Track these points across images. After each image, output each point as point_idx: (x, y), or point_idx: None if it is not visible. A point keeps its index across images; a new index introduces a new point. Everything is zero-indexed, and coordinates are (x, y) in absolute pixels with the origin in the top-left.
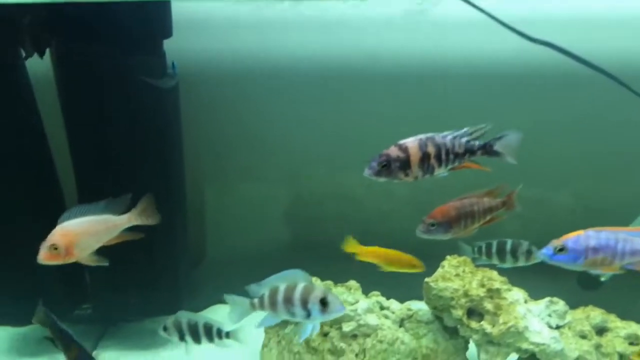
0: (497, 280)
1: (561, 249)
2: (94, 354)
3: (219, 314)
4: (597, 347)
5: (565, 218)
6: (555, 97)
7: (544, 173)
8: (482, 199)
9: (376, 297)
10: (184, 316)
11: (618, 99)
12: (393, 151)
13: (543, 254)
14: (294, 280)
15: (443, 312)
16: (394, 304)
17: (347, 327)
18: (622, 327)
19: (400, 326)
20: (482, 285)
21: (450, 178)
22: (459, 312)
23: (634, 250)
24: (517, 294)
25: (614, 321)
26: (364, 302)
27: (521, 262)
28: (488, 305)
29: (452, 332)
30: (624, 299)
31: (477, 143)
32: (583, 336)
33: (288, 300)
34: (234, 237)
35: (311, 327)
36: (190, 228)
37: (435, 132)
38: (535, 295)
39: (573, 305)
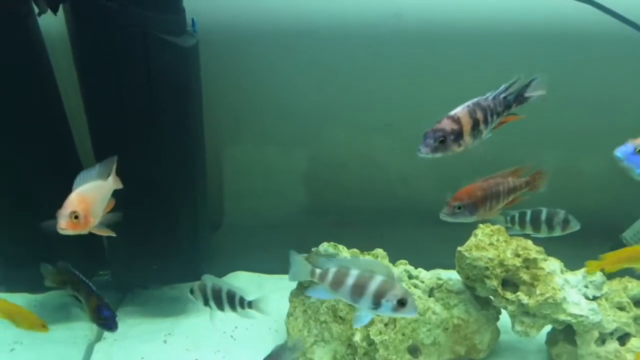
0: (533, 250)
1: None
2: None
3: (239, 281)
4: (636, 318)
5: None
6: (590, 58)
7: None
8: (507, 178)
9: (404, 265)
10: (209, 280)
11: None
12: (447, 124)
13: (621, 151)
14: (370, 269)
15: (476, 282)
16: (422, 273)
17: None
18: None
19: (430, 296)
20: (518, 255)
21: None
22: (493, 283)
23: None
24: (553, 264)
25: None
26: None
27: (557, 232)
28: (524, 276)
29: (483, 303)
30: None
31: (511, 97)
32: (621, 308)
33: (359, 287)
34: (253, 202)
35: (370, 317)
36: (210, 193)
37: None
38: (566, 266)
39: (608, 276)
